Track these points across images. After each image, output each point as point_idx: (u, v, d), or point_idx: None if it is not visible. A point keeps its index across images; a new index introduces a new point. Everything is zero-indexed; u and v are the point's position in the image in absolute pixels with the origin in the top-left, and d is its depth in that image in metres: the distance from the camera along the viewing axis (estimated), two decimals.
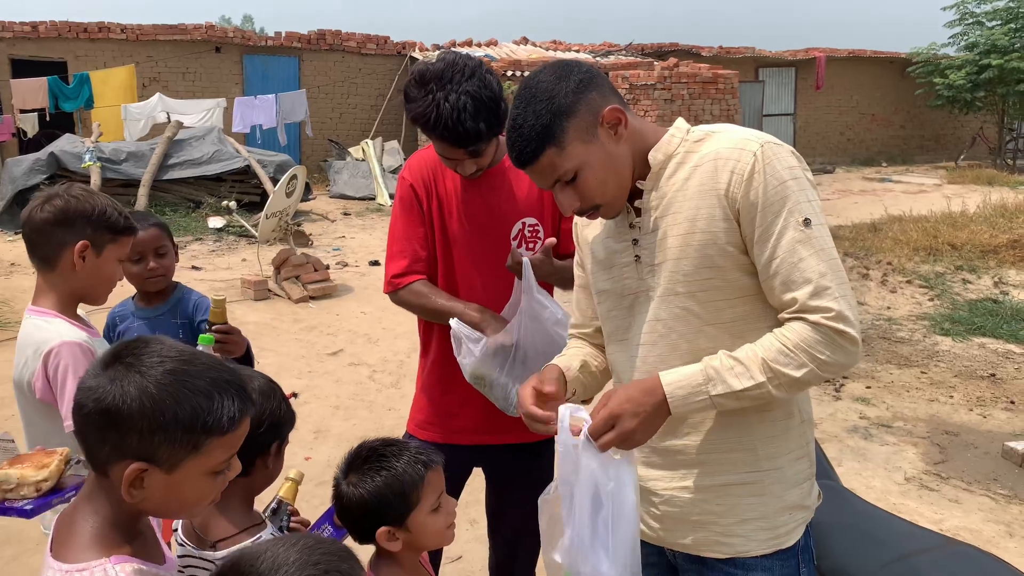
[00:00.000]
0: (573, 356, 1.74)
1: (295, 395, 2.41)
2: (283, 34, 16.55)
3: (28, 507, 1.51)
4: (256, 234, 8.69)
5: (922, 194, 15.24)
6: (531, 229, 2.19)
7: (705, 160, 1.43)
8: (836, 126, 21.02)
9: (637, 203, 1.52)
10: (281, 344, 6.19)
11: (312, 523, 1.85)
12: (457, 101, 1.89)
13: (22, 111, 12.69)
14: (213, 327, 2.12)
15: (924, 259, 8.84)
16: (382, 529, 1.54)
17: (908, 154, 21.28)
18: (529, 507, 2.35)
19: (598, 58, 16.76)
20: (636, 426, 1.38)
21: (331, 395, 5.17)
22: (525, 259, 1.94)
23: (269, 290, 7.56)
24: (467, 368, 2.04)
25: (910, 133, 21.61)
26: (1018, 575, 1.64)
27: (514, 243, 2.16)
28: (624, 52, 17.92)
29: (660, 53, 17.90)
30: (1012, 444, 4.20)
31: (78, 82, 13.20)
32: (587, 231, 1.68)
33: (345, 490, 1.56)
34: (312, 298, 7.40)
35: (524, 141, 1.44)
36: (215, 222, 10.58)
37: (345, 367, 5.69)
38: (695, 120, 13.84)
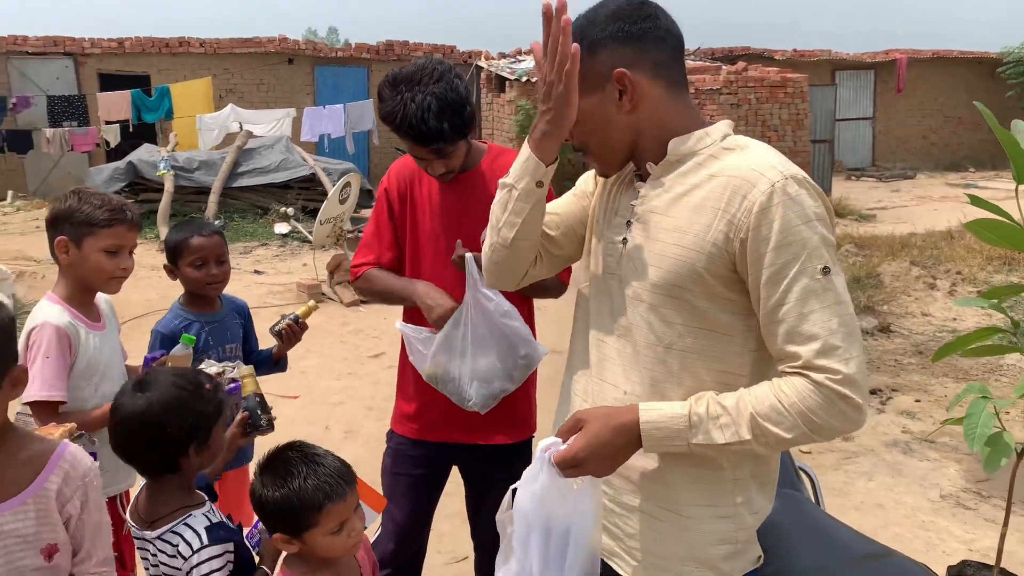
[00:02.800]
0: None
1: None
2: (352, 45, 16.99)
3: None
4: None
5: (1009, 200, 14.48)
6: None
7: (722, 174, 1.32)
8: (918, 130, 20.20)
9: (639, 186, 1.43)
10: (327, 346, 6.34)
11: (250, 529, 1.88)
12: (423, 101, 1.97)
13: (107, 122, 13.38)
14: (298, 320, 2.45)
15: (998, 268, 8.41)
16: (278, 535, 1.58)
17: (998, 159, 20.24)
18: None
19: None
20: (603, 465, 1.33)
21: (367, 396, 5.26)
22: (468, 254, 1.96)
23: (323, 294, 7.75)
24: (419, 367, 2.07)
25: None
26: None
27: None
28: (693, 56, 17.67)
29: (731, 57, 17.59)
30: None
31: (159, 94, 13.83)
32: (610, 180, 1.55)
33: (255, 486, 1.60)
34: (363, 302, 7.55)
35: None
36: (280, 228, 10.91)
37: (385, 369, 5.79)
38: (763, 125, 13.53)
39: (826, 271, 1.24)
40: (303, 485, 1.54)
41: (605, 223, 1.50)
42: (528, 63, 15.64)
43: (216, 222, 10.85)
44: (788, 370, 1.26)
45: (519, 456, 2.33)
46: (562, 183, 1.51)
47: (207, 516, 1.61)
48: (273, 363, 2.57)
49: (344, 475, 1.60)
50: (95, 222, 2.04)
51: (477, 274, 1.96)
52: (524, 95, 14.17)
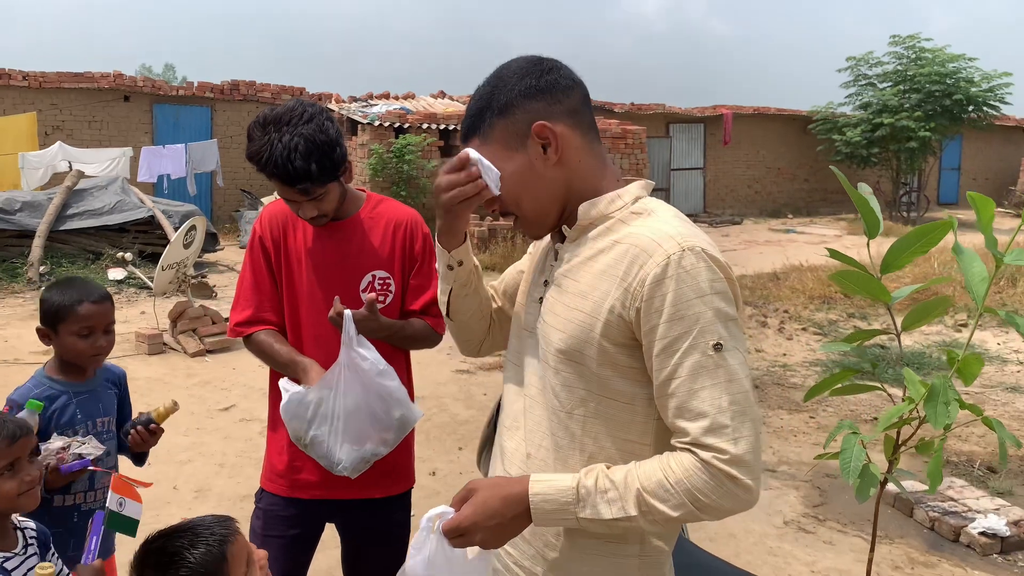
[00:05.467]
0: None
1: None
2: (195, 84, 16.36)
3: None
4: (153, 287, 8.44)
5: (823, 244, 15.96)
6: (382, 282, 2.20)
7: (624, 240, 1.30)
8: (744, 179, 21.90)
9: (558, 247, 1.43)
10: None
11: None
12: (290, 141, 1.96)
13: None
14: (150, 425, 2.19)
15: (819, 307, 9.21)
16: None
17: (812, 206, 22.28)
18: (384, 563, 2.32)
19: None
20: (490, 536, 1.29)
21: (217, 452, 4.99)
22: (346, 312, 1.94)
23: (165, 344, 7.32)
24: (287, 426, 2.01)
25: (813, 186, 22.66)
26: None
27: (364, 296, 2.16)
28: None
29: None
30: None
31: None
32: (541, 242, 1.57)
33: None
34: (209, 351, 7.20)
35: (466, 117, 1.39)
36: (115, 274, 10.24)
37: (236, 423, 5.52)
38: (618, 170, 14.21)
39: (718, 347, 1.21)
40: (194, 556, 1.45)
41: (532, 282, 1.50)
42: (380, 107, 15.67)
43: (41, 268, 10.04)
44: (678, 445, 1.24)
45: (398, 508, 2.31)
46: None
47: None
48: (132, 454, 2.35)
49: (218, 519, 1.54)
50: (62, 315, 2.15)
51: (353, 332, 1.94)
52: (377, 139, 14.17)
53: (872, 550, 1.87)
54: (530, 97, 1.33)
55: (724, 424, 1.19)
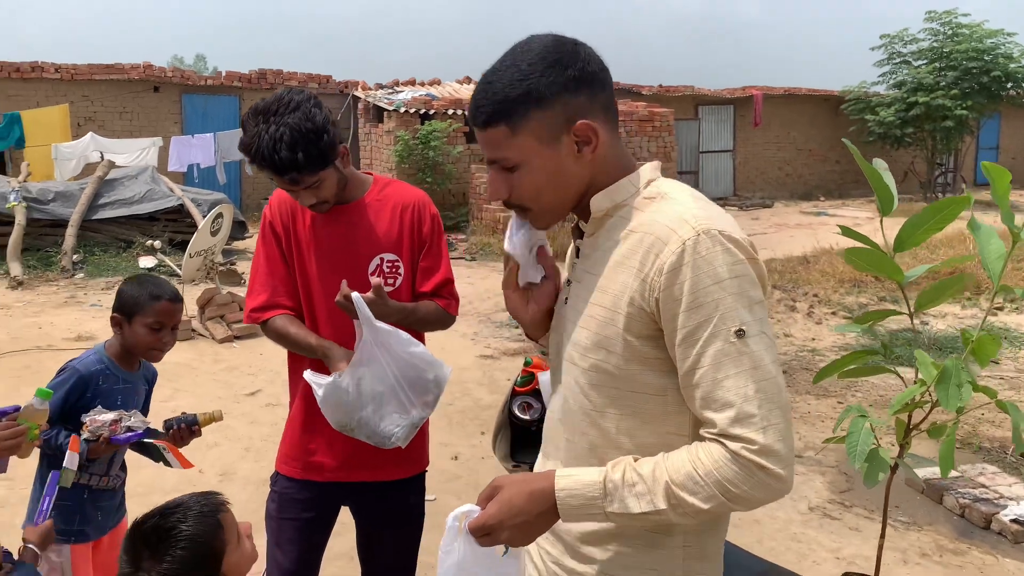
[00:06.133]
0: None
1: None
2: (223, 73, 16.49)
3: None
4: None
5: (855, 227, 15.62)
6: (390, 265, 2.18)
7: (639, 229, 1.26)
8: (774, 161, 21.58)
9: (578, 243, 1.38)
10: (199, 385, 6.06)
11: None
12: (276, 132, 1.95)
13: None
14: (193, 427, 2.32)
15: (849, 291, 9.05)
16: None
17: (844, 188, 21.90)
18: (399, 546, 2.32)
19: None
20: (517, 534, 1.25)
21: (243, 436, 5.05)
22: (355, 295, 1.93)
23: (193, 330, 7.40)
24: (328, 418, 2.01)
25: (845, 168, 22.26)
26: None
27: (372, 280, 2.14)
28: None
29: None
30: (915, 471, 4.27)
31: (8, 122, 12.93)
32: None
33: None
34: (236, 337, 7.27)
35: (485, 102, 1.27)
36: (146, 262, 10.38)
37: (262, 408, 5.58)
38: (633, 157, 14.06)
39: (740, 334, 1.16)
40: (188, 528, 1.49)
41: (563, 284, 1.46)
42: (406, 94, 15.67)
43: (74, 256, 10.21)
44: (707, 436, 1.20)
45: (412, 491, 2.30)
46: None
47: None
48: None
49: (204, 494, 1.59)
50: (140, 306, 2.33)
51: (367, 310, 1.93)
52: (403, 125, 14.18)
53: (882, 535, 1.82)
54: (573, 91, 1.25)
55: (751, 413, 1.15)
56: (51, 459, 2.28)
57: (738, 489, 1.16)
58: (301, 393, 2.23)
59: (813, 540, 3.63)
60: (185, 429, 2.30)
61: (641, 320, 1.23)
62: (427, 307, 2.20)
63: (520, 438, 2.18)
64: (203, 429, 2.34)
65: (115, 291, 2.41)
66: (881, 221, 1.64)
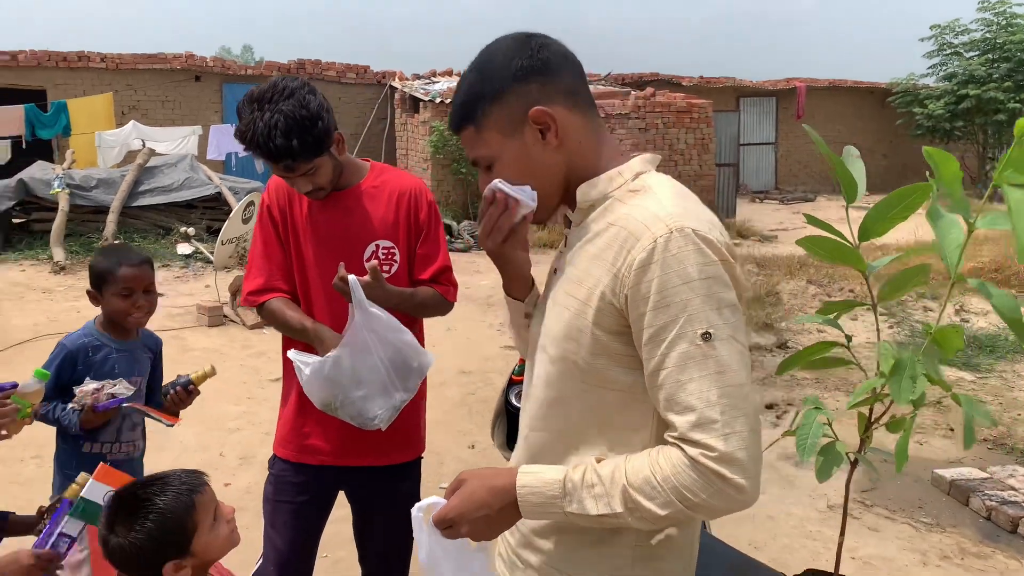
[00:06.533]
0: None
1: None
2: (263, 63, 16.69)
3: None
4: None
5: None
6: (385, 251, 2.18)
7: (618, 222, 1.23)
8: (817, 155, 21.13)
9: (566, 233, 1.38)
10: (226, 369, 6.13)
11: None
12: (270, 119, 1.95)
13: None
14: (188, 387, 2.37)
15: None
16: (168, 565, 1.51)
17: (890, 183, 21.30)
18: (394, 531, 2.32)
19: None
20: (478, 528, 1.25)
21: (266, 421, 5.10)
22: (351, 277, 1.93)
23: (224, 316, 7.51)
24: (312, 398, 2.03)
25: (892, 162, 21.73)
26: None
27: (367, 264, 2.14)
28: (603, 82, 18.06)
29: (639, 83, 18.05)
30: (941, 472, 4.15)
31: (55, 110, 13.26)
32: None
33: (116, 542, 1.51)
34: (266, 324, 7.36)
35: (454, 107, 1.33)
36: (183, 248, 10.57)
37: None
38: (670, 149, 13.91)
39: (707, 337, 1.13)
40: (163, 501, 1.51)
41: (551, 271, 1.45)
42: (442, 84, 15.69)
43: (115, 242, 10.43)
44: (669, 439, 1.17)
45: (406, 476, 2.30)
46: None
47: None
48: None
49: (189, 471, 1.60)
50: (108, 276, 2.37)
51: (362, 294, 1.93)
52: (438, 116, 14.19)
53: (842, 532, 1.78)
54: (523, 80, 1.26)
55: (713, 419, 1.11)
56: (63, 435, 2.39)
57: (696, 497, 1.12)
58: (293, 376, 2.24)
59: (829, 539, 3.55)
60: (182, 391, 2.37)
61: (611, 315, 1.21)
62: (425, 292, 2.20)
63: (517, 426, 2.17)
64: (208, 391, 2.42)
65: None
66: (847, 209, 1.59)
